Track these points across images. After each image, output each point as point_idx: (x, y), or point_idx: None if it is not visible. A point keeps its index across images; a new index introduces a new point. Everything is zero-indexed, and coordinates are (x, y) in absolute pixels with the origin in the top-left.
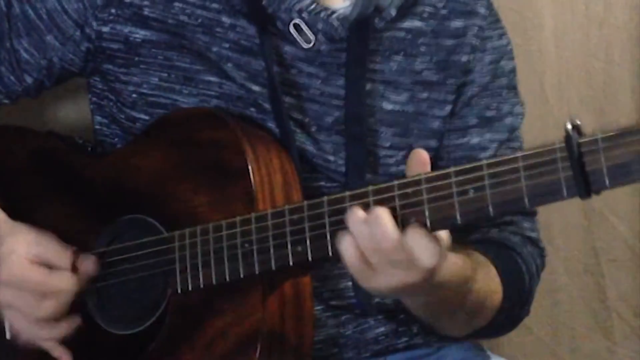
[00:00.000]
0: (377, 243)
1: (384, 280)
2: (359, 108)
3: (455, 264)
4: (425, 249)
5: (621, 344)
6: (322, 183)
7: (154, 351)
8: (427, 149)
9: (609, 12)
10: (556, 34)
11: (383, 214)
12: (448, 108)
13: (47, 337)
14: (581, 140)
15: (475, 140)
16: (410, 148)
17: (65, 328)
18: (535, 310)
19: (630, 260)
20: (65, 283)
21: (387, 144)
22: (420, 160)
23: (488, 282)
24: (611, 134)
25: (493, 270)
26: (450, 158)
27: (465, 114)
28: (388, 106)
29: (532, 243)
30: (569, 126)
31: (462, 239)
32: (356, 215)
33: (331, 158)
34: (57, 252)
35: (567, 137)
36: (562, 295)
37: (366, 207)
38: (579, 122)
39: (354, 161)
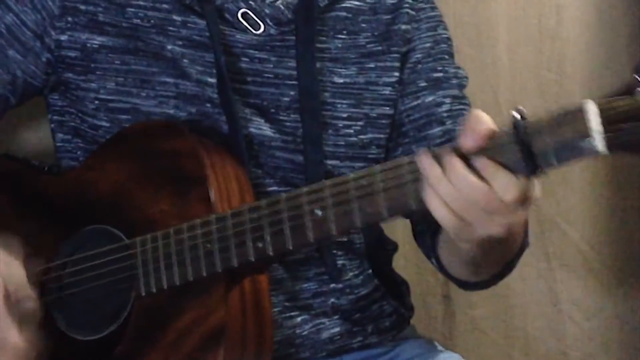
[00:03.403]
0: (468, 200)
1: (483, 231)
2: (312, 84)
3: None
4: (514, 186)
5: (573, 347)
6: (275, 188)
7: (120, 353)
8: (383, 116)
9: (561, 26)
10: (510, 47)
11: (460, 167)
12: (396, 74)
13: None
14: (527, 124)
15: (429, 98)
16: (367, 117)
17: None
18: (490, 314)
19: (581, 265)
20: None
21: (345, 115)
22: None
23: None
24: (555, 115)
25: None
26: (411, 120)
27: (414, 79)
28: (339, 80)
29: None
30: (515, 112)
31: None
32: (434, 171)
33: (289, 138)
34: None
35: (514, 121)
36: (516, 299)
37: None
38: (522, 109)
39: (310, 134)
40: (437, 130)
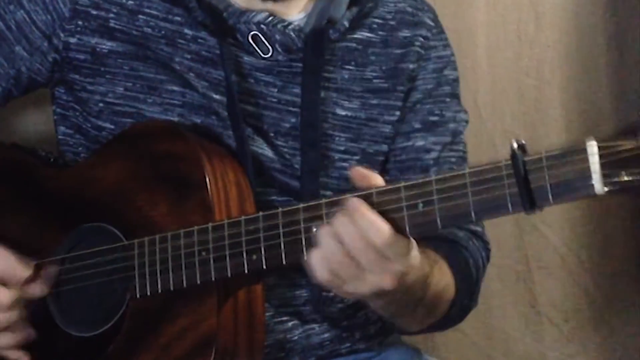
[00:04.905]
0: (367, 240)
1: (372, 281)
2: (314, 114)
3: (418, 259)
4: (409, 244)
5: (551, 348)
6: (275, 197)
7: (112, 352)
8: (379, 153)
9: (540, 32)
10: (489, 52)
11: (366, 209)
12: (397, 113)
13: (2, 345)
14: (527, 159)
15: (419, 143)
16: (362, 153)
17: (20, 337)
18: (470, 315)
19: (559, 267)
20: (8, 298)
21: (342, 149)
22: (360, 177)
23: (442, 277)
24: (555, 152)
25: (445, 266)
26: (396, 160)
27: (410, 119)
28: (342, 112)
29: (476, 237)
30: (515, 145)
31: None
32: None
33: (287, 163)
34: (11, 270)
35: (513, 155)
36: (496, 301)
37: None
38: (524, 142)
39: (308, 165)
40: (419, 176)
